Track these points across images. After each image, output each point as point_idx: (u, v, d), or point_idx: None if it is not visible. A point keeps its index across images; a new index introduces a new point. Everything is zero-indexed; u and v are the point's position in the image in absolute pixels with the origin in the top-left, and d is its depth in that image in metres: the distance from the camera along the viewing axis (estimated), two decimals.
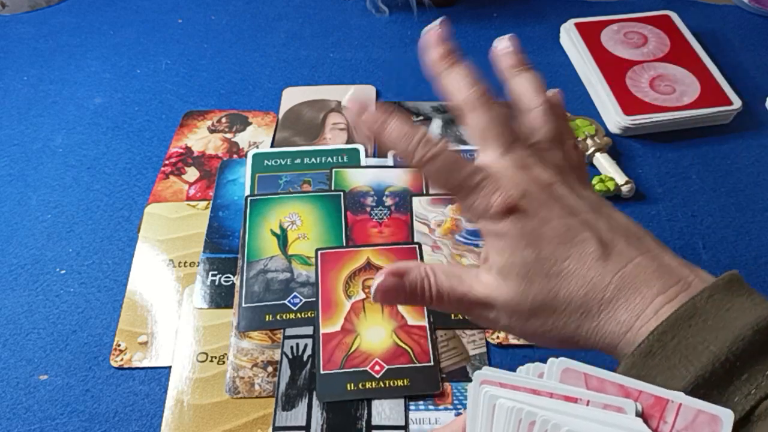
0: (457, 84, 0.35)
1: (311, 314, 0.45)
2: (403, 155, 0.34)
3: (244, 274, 0.48)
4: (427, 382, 0.42)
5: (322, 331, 0.44)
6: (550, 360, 0.29)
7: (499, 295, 0.31)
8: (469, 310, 0.33)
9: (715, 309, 0.27)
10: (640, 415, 0.26)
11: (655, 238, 0.33)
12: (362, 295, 0.46)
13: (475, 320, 0.33)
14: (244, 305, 0.46)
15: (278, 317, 0.45)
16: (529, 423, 0.26)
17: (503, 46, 0.37)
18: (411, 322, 0.45)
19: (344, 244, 0.49)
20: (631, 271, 0.30)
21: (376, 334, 0.44)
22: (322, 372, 0.43)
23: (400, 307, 0.46)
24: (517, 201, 0.32)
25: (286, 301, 0.46)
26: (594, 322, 0.29)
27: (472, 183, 0.32)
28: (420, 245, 0.49)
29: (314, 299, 0.46)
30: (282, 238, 0.50)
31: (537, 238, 0.31)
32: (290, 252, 0.49)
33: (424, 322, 0.45)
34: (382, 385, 0.42)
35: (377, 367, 0.43)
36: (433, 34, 0.35)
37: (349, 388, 0.42)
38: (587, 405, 0.26)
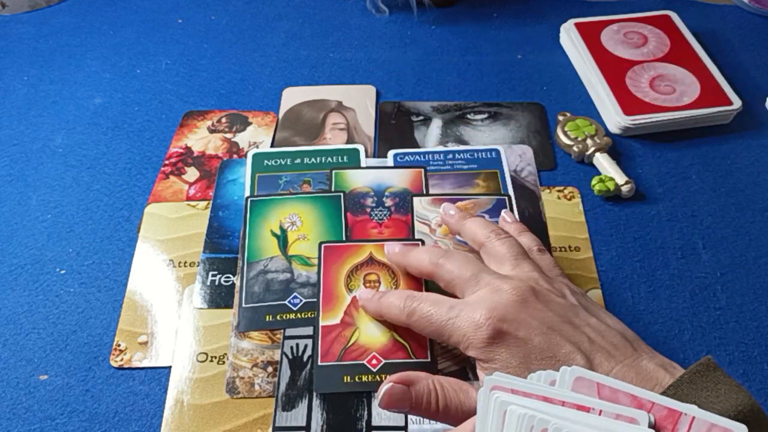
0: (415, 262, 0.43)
1: (311, 314, 0.45)
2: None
3: (244, 274, 0.48)
4: None
5: (321, 323, 0.44)
6: (563, 368, 0.29)
7: None
8: None
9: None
10: (653, 426, 0.26)
11: (628, 337, 0.36)
12: (363, 289, 0.46)
13: None
14: (244, 305, 0.46)
15: (278, 317, 0.45)
16: (540, 430, 0.26)
17: (444, 210, 0.48)
18: None
19: None
20: None
21: (375, 329, 0.44)
22: (319, 363, 0.43)
23: None
24: (498, 326, 0.35)
25: (286, 302, 0.46)
26: None
27: (452, 325, 0.37)
28: (423, 241, 0.49)
29: (315, 299, 0.46)
30: (282, 239, 0.50)
31: (525, 356, 0.35)
32: (290, 252, 0.49)
33: None
34: (379, 379, 0.42)
35: (374, 361, 0.43)
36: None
37: (345, 381, 0.42)
38: (599, 414, 0.26)
